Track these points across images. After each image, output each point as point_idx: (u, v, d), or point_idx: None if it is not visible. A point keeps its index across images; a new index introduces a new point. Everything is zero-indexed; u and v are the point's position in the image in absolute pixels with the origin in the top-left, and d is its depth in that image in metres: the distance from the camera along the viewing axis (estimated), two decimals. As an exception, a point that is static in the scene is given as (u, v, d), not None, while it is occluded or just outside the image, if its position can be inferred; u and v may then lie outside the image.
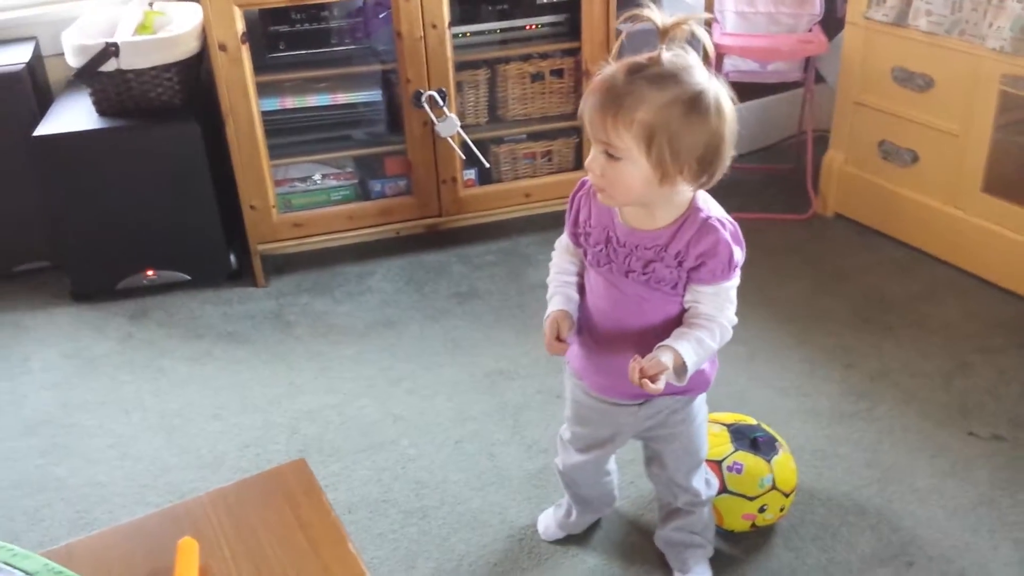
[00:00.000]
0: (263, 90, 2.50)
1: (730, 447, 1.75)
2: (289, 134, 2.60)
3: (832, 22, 2.98)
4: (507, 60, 2.68)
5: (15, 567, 0.92)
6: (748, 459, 1.73)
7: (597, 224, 1.39)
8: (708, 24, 2.91)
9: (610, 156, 1.25)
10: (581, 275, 1.49)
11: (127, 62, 2.41)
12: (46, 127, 2.46)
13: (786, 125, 3.41)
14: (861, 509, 1.86)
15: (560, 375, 2.22)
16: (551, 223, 2.87)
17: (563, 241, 1.50)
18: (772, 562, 1.74)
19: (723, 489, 1.72)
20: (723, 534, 1.79)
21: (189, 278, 2.65)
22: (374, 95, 2.63)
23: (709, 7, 2.95)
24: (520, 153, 2.80)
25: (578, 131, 2.78)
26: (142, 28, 2.56)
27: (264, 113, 2.51)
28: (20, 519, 1.89)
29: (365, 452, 2.04)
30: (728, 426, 1.80)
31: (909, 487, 1.91)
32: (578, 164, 2.85)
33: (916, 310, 2.49)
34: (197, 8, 2.48)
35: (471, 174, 2.77)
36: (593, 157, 1.27)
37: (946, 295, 2.55)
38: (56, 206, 2.49)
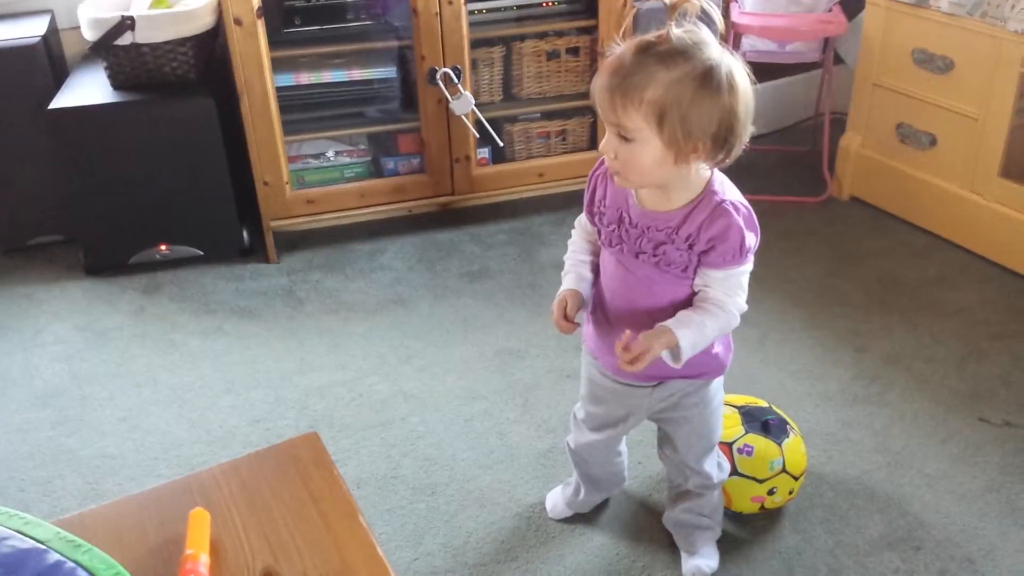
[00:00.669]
0: (278, 65, 2.49)
1: (741, 429, 1.75)
2: (303, 110, 2.60)
3: (852, 2, 2.94)
4: (523, 38, 2.66)
5: (27, 535, 0.93)
6: (759, 441, 1.73)
7: (612, 204, 1.38)
8: (727, 2, 2.88)
9: (623, 138, 1.24)
10: (597, 255, 1.48)
11: (142, 36, 2.41)
12: (61, 100, 2.46)
13: (803, 107, 3.38)
14: (870, 493, 1.85)
15: (570, 354, 2.23)
16: (564, 203, 2.86)
17: (582, 220, 1.49)
18: (780, 544, 1.74)
19: (733, 471, 1.71)
20: (732, 516, 1.79)
21: (202, 253, 2.65)
22: (389, 72, 2.62)
23: (727, -14, 2.92)
24: (534, 132, 2.79)
25: (593, 111, 2.75)
26: (158, 2, 2.55)
27: (279, 89, 2.50)
28: (31, 490, 1.91)
29: (375, 428, 2.05)
30: (739, 408, 1.80)
31: (919, 472, 1.90)
32: (592, 144, 2.84)
33: (930, 295, 2.47)
34: (212, -18, 2.47)
35: (484, 153, 2.76)
36: (607, 140, 1.26)
37: (961, 280, 2.53)
38: (70, 180, 2.50)
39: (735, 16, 2.82)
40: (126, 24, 2.38)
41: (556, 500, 1.82)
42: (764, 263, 2.62)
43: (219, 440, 2.03)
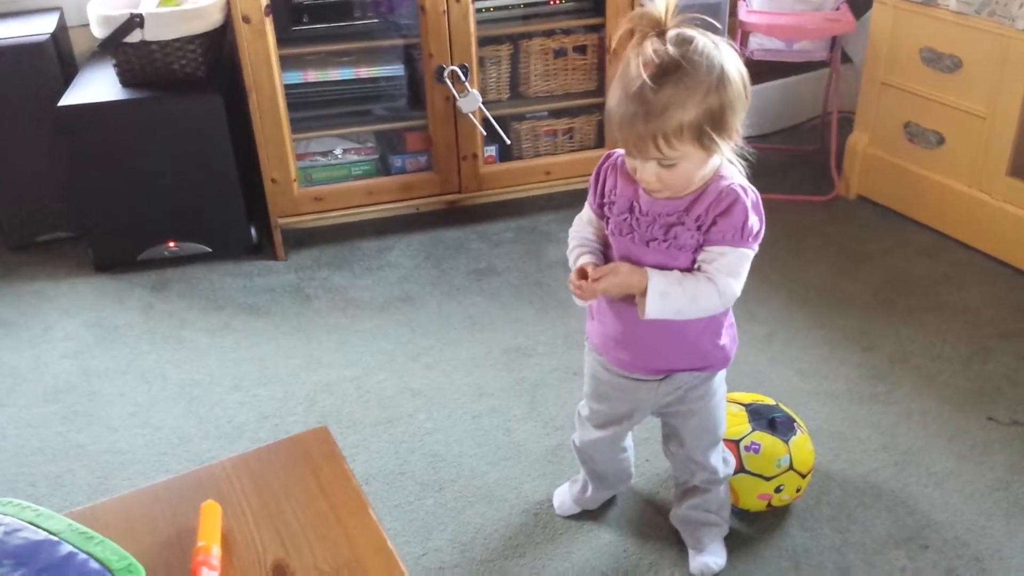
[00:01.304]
0: (286, 63, 2.49)
1: (748, 427, 1.75)
2: (311, 108, 2.60)
3: (860, 0, 2.94)
4: (530, 36, 2.67)
5: (40, 527, 0.94)
6: (766, 439, 1.73)
7: (622, 194, 1.38)
8: (734, 1, 2.87)
9: (663, 166, 1.26)
10: (602, 245, 1.47)
11: (151, 33, 2.41)
12: (70, 97, 2.47)
13: (811, 105, 3.37)
14: (877, 491, 1.85)
15: (577, 352, 2.23)
16: (571, 201, 2.87)
17: (584, 215, 1.49)
18: (787, 542, 1.75)
19: (740, 468, 1.71)
20: (739, 513, 1.79)
21: (210, 250, 2.66)
22: (396, 70, 2.62)
23: (735, -15, 2.92)
24: (541, 130, 2.79)
25: (600, 108, 2.76)
26: (166, 0, 2.56)
27: (287, 86, 2.51)
28: (42, 484, 1.92)
29: (383, 425, 2.05)
30: (746, 406, 1.80)
31: (926, 470, 1.90)
32: (599, 142, 2.84)
33: (937, 294, 2.47)
34: (221, -20, 2.48)
35: (492, 151, 2.76)
36: (647, 170, 1.27)
37: (968, 279, 2.53)
38: (79, 177, 2.51)
39: (742, 14, 2.82)
40: (135, 21, 2.39)
41: (563, 497, 1.83)
42: (771, 261, 2.64)
43: (228, 436, 2.04)
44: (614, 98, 1.25)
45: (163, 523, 1.08)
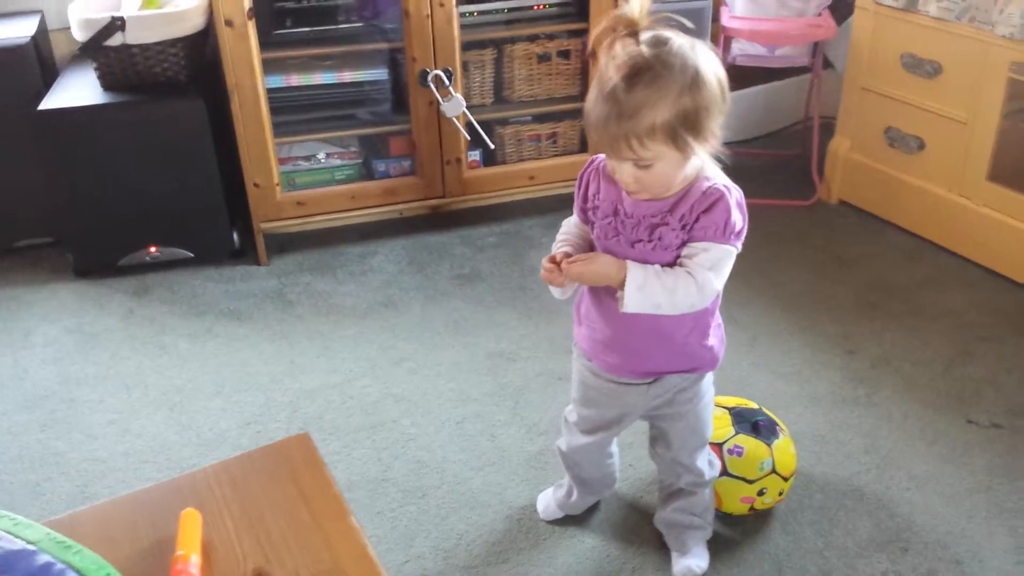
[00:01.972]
0: (269, 67, 2.48)
1: (731, 430, 1.75)
2: (294, 112, 2.59)
3: (841, 6, 2.96)
4: (514, 40, 2.67)
5: (17, 536, 0.92)
6: (749, 442, 1.73)
7: (606, 198, 1.38)
8: (717, 6, 2.89)
9: (639, 167, 1.26)
10: (588, 245, 1.47)
11: (133, 36, 2.40)
12: (51, 101, 2.45)
13: (793, 111, 3.39)
14: (859, 494, 1.86)
15: (561, 357, 2.23)
16: (555, 206, 2.87)
17: (571, 220, 1.50)
18: (769, 546, 1.75)
19: (723, 472, 1.72)
20: (721, 517, 1.79)
21: (192, 255, 2.64)
22: (380, 74, 2.62)
23: (717, -10, 2.93)
24: (525, 135, 2.79)
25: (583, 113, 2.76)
26: (148, 3, 2.55)
27: (269, 90, 2.50)
28: (20, 492, 1.90)
29: (365, 431, 2.05)
30: (730, 409, 1.80)
31: (907, 473, 1.91)
32: (583, 147, 2.84)
33: (919, 298, 2.49)
34: (203, -17, 2.47)
35: (476, 155, 2.76)
36: (624, 171, 1.27)
37: (949, 283, 2.54)
38: (59, 181, 2.49)
39: (725, 20, 2.83)
40: (116, 25, 2.38)
41: (547, 502, 1.82)
42: (754, 266, 2.65)
43: (209, 443, 2.02)
44: (590, 99, 1.26)
45: (142, 532, 1.06)
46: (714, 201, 1.30)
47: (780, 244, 2.74)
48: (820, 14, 2.90)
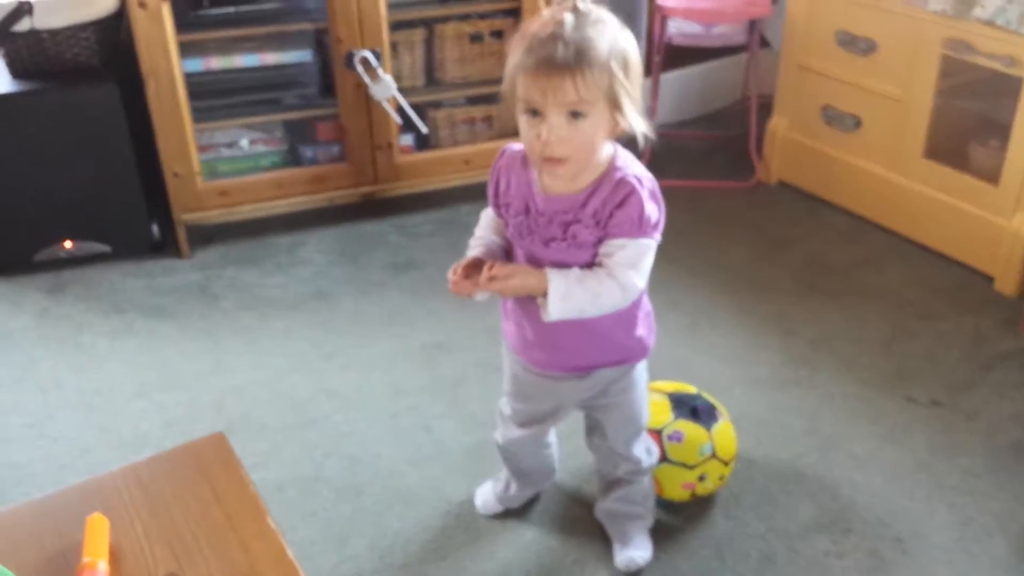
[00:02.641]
0: (186, 50, 2.38)
1: (670, 416, 1.72)
2: (214, 97, 2.49)
3: (776, -15, 2.94)
4: (445, 19, 2.59)
5: None
6: (688, 428, 1.70)
7: (516, 194, 1.35)
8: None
9: (574, 116, 1.21)
10: (504, 240, 1.44)
11: (41, 21, 2.30)
12: (-47, 90, 2.32)
13: (731, 90, 3.38)
14: (800, 476, 1.84)
15: (499, 347, 2.15)
16: (491, 191, 2.81)
17: (487, 213, 1.46)
18: (712, 531, 1.72)
19: (663, 458, 1.69)
20: (663, 504, 1.76)
21: (109, 249, 2.53)
22: (304, 56, 2.53)
23: (652, -31, 2.89)
24: (459, 118, 2.72)
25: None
26: (56, -15, 2.42)
27: (187, 75, 2.39)
28: (-74, 504, 1.79)
29: (296, 429, 1.97)
30: (669, 395, 1.77)
31: (848, 454, 1.90)
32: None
33: (857, 277, 2.48)
34: (114, -37, 2.35)
35: (408, 140, 2.69)
36: (553, 127, 1.21)
37: (887, 262, 2.55)
38: (-35, 173, 2.36)
39: (660, -1, 2.79)
40: (23, 9, 2.27)
41: (486, 496, 1.78)
42: (694, 249, 2.62)
43: (131, 445, 1.94)
44: (518, 53, 1.22)
45: (48, 540, 1.02)
46: (626, 195, 1.27)
47: (720, 226, 2.71)
48: (755, -8, 2.88)
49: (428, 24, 2.59)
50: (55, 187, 2.41)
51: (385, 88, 2.48)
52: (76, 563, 0.95)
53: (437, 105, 2.69)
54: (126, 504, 1.06)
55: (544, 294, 1.29)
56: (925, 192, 2.54)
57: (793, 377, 2.11)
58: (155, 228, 2.57)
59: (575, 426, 1.83)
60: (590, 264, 1.32)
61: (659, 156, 2.93)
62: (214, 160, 2.56)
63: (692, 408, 1.73)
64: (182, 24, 2.34)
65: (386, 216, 2.75)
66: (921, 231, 2.58)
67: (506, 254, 1.44)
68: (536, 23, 1.22)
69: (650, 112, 2.94)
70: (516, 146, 1.36)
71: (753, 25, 2.88)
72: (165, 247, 2.59)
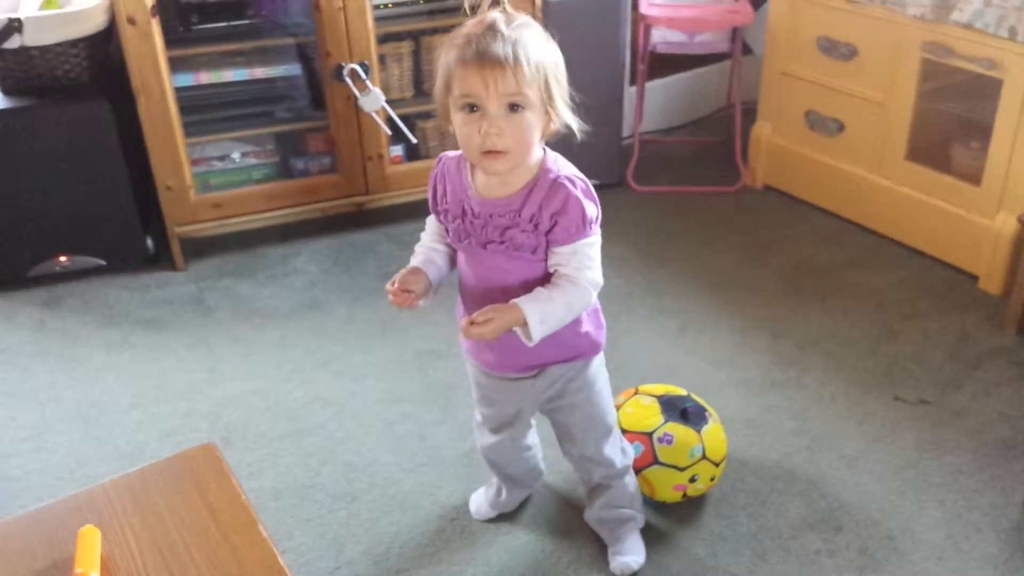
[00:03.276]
0: (176, 65, 2.40)
1: (660, 418, 1.74)
2: (205, 111, 2.52)
3: (758, -8, 2.98)
4: (432, 31, 2.62)
5: None
6: (678, 430, 1.72)
7: (453, 199, 1.38)
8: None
9: (513, 108, 1.25)
10: (449, 247, 1.47)
11: (31, 38, 2.30)
12: (-54, 107, 2.33)
13: (715, 97, 3.41)
14: (790, 476, 1.87)
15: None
16: (481, 199, 2.83)
17: (431, 221, 1.49)
18: (703, 531, 1.74)
19: (654, 460, 1.71)
20: (655, 505, 1.78)
21: (104, 263, 2.54)
22: (293, 69, 2.56)
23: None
24: (447, 129, 2.74)
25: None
26: (48, 3, 2.44)
27: (178, 89, 2.41)
28: (-76, 519, 1.80)
29: (291, 437, 1.99)
30: (658, 398, 1.79)
31: (837, 453, 1.92)
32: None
33: (844, 279, 2.51)
34: (104, -20, 2.37)
35: (398, 150, 2.71)
36: (492, 119, 1.24)
37: (873, 263, 2.58)
38: (-41, 191, 2.37)
39: (644, 8, 2.82)
40: (13, 26, 2.28)
41: (480, 501, 1.79)
42: (682, 253, 2.65)
43: (128, 456, 1.94)
44: (453, 51, 1.25)
45: (39, 551, 1.03)
46: (564, 200, 1.30)
47: (707, 231, 2.74)
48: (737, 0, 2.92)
49: (415, 36, 2.62)
50: (49, 202, 2.42)
51: (374, 100, 2.50)
52: (67, 575, 0.96)
53: (426, 116, 2.72)
54: (118, 515, 1.06)
55: (523, 324, 1.31)
56: (908, 194, 2.57)
57: (782, 378, 2.14)
58: (149, 241, 2.58)
59: (566, 429, 1.85)
60: (532, 264, 1.35)
61: (646, 163, 2.97)
62: (206, 173, 2.58)
63: (682, 410, 1.75)
64: (171, 40, 2.36)
65: (377, 226, 2.77)
66: (905, 232, 2.62)
67: (451, 260, 1.47)
68: (467, 26, 1.26)
69: (635, 120, 2.98)
70: (452, 153, 1.40)
71: (736, 33, 2.91)
72: (159, 260, 2.61)
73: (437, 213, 1.44)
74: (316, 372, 2.18)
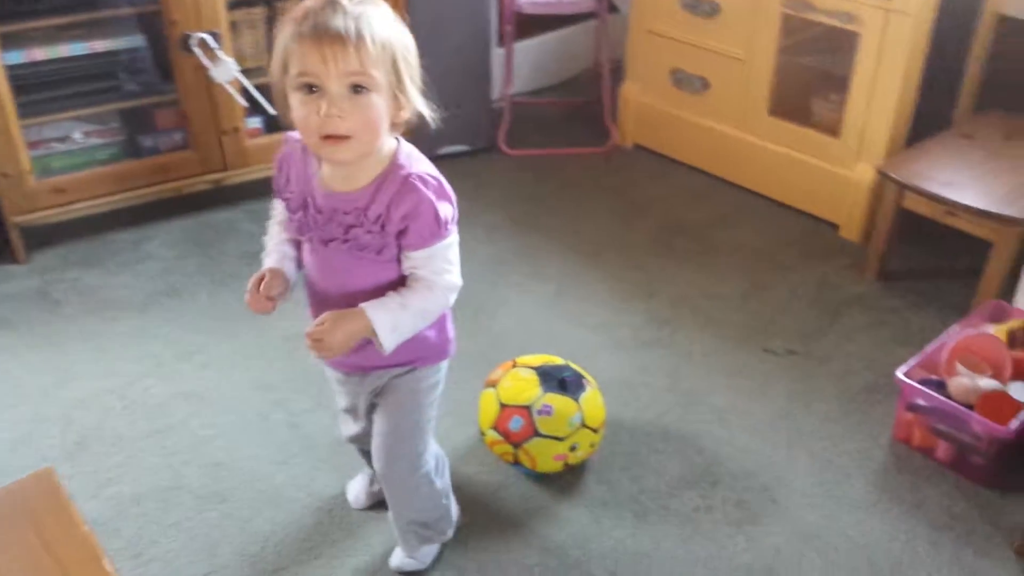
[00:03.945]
0: (6, 42, 2.21)
1: (539, 390, 1.72)
2: (42, 89, 2.32)
3: (620, -51, 2.95)
4: (285, -4, 2.49)
5: None
6: (557, 400, 1.71)
7: (296, 189, 1.29)
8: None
9: (357, 90, 1.15)
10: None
11: None
12: None
13: (583, 57, 3.39)
14: (666, 434, 1.89)
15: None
16: (348, 171, 2.73)
17: (278, 206, 1.38)
18: (585, 498, 1.75)
19: (534, 433, 1.69)
20: (536, 477, 1.77)
21: (-65, 259, 2.34)
22: (136, 41, 2.38)
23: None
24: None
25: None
26: None
27: (9, 67, 2.22)
28: None
29: (152, 437, 1.88)
30: (536, 369, 1.77)
31: (710, 408, 1.95)
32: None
33: (712, 235, 2.55)
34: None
35: (256, 122, 2.58)
36: (333, 101, 1.15)
37: (740, 218, 2.62)
38: None
39: (506, -33, 2.76)
40: None
41: (357, 490, 1.74)
42: (554, 217, 2.63)
43: (-28, 470, 1.80)
44: (289, 26, 1.15)
45: None
46: (415, 203, 1.22)
47: (578, 193, 2.73)
48: (600, -43, 2.88)
49: (269, 1, 2.48)
50: None
51: (226, 70, 2.36)
52: None
53: (284, 85, 2.59)
54: (-58, 560, 0.96)
55: (373, 332, 1.24)
56: (772, 148, 2.62)
57: (655, 337, 2.16)
58: (-16, 233, 2.39)
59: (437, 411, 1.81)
60: (380, 265, 1.27)
61: (515, 125, 2.92)
62: (46, 156, 2.39)
63: (560, 380, 1.74)
64: (1, 15, 2.16)
65: (237, 203, 2.64)
66: (770, 186, 2.67)
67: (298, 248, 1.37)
68: (307, 1, 1.16)
69: (505, 82, 2.92)
70: (298, 135, 1.28)
71: (600, -10, 2.88)
72: (-2, 253, 2.42)
73: (282, 200, 1.33)
74: (177, 365, 2.07)
